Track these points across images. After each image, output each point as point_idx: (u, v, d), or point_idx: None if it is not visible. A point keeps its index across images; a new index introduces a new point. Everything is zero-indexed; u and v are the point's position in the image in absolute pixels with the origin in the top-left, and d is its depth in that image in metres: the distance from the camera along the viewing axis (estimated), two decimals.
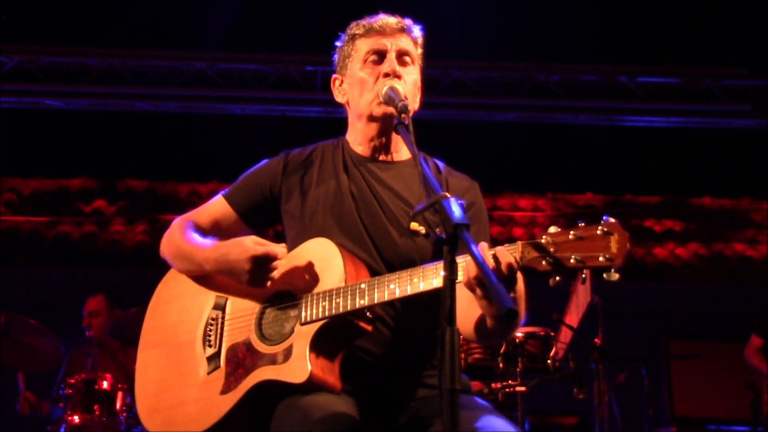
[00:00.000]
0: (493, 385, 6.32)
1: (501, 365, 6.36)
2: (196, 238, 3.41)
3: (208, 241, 3.38)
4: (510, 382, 6.30)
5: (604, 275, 2.74)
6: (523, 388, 6.27)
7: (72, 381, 6.92)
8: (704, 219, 12.59)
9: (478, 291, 2.79)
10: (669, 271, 11.97)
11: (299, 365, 3.03)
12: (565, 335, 6.82)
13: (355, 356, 3.15)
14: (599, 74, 11.03)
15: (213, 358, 3.29)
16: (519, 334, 6.30)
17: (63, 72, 10.91)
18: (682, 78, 11.02)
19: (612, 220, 2.77)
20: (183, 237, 3.44)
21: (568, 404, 7.88)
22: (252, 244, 3.21)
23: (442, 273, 2.59)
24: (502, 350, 6.36)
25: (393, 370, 3.19)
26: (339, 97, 3.52)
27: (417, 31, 3.46)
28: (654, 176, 12.21)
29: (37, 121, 11.48)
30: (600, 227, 2.76)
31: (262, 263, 3.19)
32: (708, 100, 11.10)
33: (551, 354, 6.42)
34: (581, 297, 6.86)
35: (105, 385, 6.90)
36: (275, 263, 3.19)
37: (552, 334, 6.52)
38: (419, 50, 3.47)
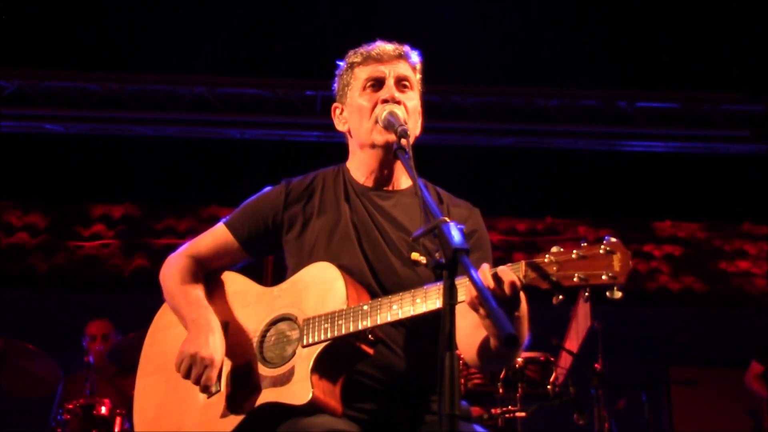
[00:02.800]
0: (492, 410, 6.30)
1: (501, 390, 6.35)
2: (193, 290, 3.43)
3: (197, 295, 3.41)
4: (510, 407, 6.28)
5: (607, 293, 2.76)
6: (522, 414, 6.26)
7: (70, 406, 6.88)
8: (704, 244, 12.57)
9: (482, 310, 2.77)
10: (669, 296, 11.93)
11: (301, 387, 3.02)
12: (565, 360, 6.80)
13: (358, 381, 3.14)
14: (598, 99, 11.03)
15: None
16: (519, 360, 6.29)
17: (63, 96, 10.90)
18: (681, 103, 11.03)
19: (614, 239, 2.80)
20: (178, 279, 3.46)
21: (569, 430, 7.82)
22: (218, 351, 3.22)
23: None
24: (501, 375, 6.34)
25: (396, 395, 3.17)
26: (340, 126, 3.51)
27: (415, 56, 3.46)
28: (653, 201, 12.18)
29: (36, 145, 11.46)
30: (603, 246, 2.78)
31: (200, 369, 3.21)
32: (707, 125, 11.10)
33: (551, 379, 6.40)
34: (581, 322, 6.85)
35: (103, 410, 6.87)
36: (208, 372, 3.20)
37: (552, 359, 6.51)
38: (418, 75, 3.46)
